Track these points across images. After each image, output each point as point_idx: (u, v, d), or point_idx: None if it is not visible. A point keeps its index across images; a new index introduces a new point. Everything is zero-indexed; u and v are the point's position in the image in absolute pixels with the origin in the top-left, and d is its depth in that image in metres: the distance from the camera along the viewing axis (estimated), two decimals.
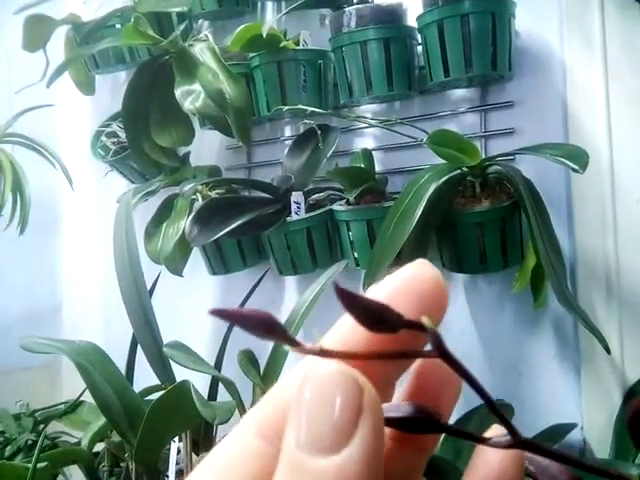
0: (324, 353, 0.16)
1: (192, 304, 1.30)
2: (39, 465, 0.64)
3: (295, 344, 0.16)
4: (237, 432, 0.17)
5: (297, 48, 1.03)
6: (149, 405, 0.66)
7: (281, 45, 1.01)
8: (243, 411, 0.71)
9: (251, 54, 1.06)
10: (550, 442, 0.90)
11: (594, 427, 0.91)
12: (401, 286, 0.17)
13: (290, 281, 1.20)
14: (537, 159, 0.92)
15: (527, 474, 0.19)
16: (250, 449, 0.17)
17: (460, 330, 1.02)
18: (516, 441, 0.17)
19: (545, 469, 0.18)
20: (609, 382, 0.91)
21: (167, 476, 0.78)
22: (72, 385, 1.22)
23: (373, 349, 0.17)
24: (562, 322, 0.95)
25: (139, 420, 0.65)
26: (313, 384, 0.16)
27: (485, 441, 0.18)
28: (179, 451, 0.91)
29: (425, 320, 0.16)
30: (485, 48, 0.89)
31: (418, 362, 0.20)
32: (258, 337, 0.16)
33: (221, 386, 0.97)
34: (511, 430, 0.17)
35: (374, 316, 0.16)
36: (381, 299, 0.17)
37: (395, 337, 0.17)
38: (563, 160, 0.74)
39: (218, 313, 0.16)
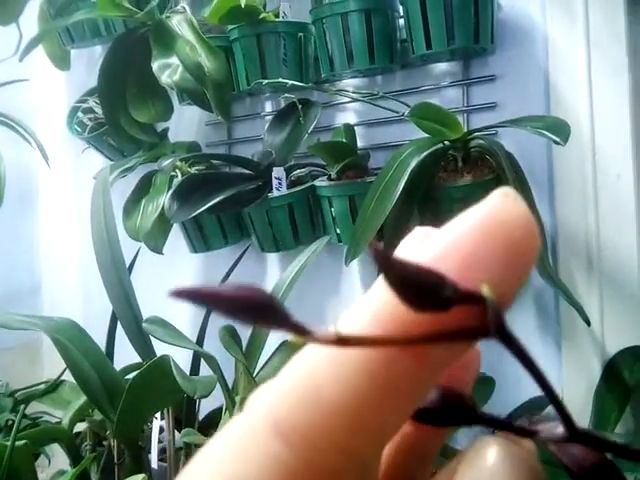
0: (343, 342, 0.12)
1: (172, 282, 1.29)
2: (18, 443, 0.63)
3: (303, 332, 0.12)
4: (248, 429, 0.13)
5: (277, 20, 1.01)
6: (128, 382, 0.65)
7: (260, 17, 0.99)
8: (225, 386, 0.71)
9: (230, 27, 1.03)
10: (529, 414, 0.91)
11: (573, 399, 0.92)
12: (484, 235, 0.13)
13: (272, 258, 1.19)
14: (519, 134, 0.92)
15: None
16: (271, 457, 0.12)
17: None
18: (572, 434, 0.15)
19: (567, 450, 0.16)
20: (589, 355, 0.92)
21: (149, 452, 0.78)
22: (52, 366, 1.21)
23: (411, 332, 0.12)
24: (543, 296, 0.95)
25: (119, 396, 0.64)
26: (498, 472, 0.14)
27: (535, 434, 0.15)
28: (162, 430, 0.91)
29: (485, 290, 0.12)
30: (467, 20, 0.88)
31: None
32: (250, 325, 0.12)
33: (203, 364, 0.96)
34: (568, 422, 0.15)
35: (423, 289, 0.12)
36: (454, 253, 0.12)
37: (440, 319, 0.13)
38: (544, 132, 0.74)
39: (186, 295, 0.12)
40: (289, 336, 0.13)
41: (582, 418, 0.90)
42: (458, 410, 0.15)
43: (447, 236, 0.13)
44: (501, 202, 0.13)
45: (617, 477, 0.15)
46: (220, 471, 0.12)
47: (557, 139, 0.72)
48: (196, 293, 0.12)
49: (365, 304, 0.13)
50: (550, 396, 0.14)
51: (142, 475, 0.58)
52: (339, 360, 0.12)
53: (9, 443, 0.63)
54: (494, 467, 0.14)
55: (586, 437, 0.14)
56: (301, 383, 0.13)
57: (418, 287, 0.12)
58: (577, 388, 0.92)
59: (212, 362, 0.68)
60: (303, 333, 0.12)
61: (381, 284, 0.13)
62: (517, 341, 0.13)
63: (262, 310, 0.12)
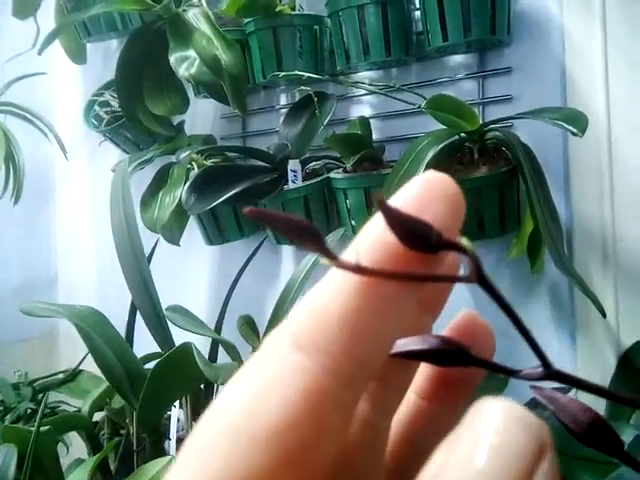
0: (360, 270, 0.15)
1: (190, 273, 1.30)
2: (42, 429, 0.65)
3: (331, 256, 0.15)
4: (269, 347, 0.15)
5: (293, 13, 1.02)
6: (150, 369, 0.66)
7: (276, 10, 1.00)
8: None
9: (246, 20, 1.04)
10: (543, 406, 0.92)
11: None
12: (425, 197, 0.16)
13: (287, 250, 1.19)
14: (535, 126, 0.92)
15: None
16: (289, 363, 0.14)
17: (456, 296, 1.03)
18: (549, 372, 0.17)
19: (565, 408, 0.17)
20: (604, 347, 0.92)
21: (169, 438, 0.79)
22: (68, 357, 1.22)
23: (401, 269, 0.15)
24: (558, 288, 0.96)
25: (141, 383, 0.65)
26: (495, 427, 0.12)
27: (516, 373, 0.17)
28: (179, 419, 0.92)
29: (465, 241, 0.16)
30: (484, 12, 0.88)
31: (455, 318, 0.20)
32: (295, 242, 0.15)
33: (220, 354, 0.97)
34: (544, 361, 0.17)
35: (415, 234, 0.15)
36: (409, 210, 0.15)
37: (424, 262, 0.15)
38: (562, 123, 0.74)
39: (255, 213, 0.15)
40: (321, 259, 0.16)
41: (597, 410, 0.90)
42: (455, 353, 0.17)
43: (404, 195, 0.16)
44: (431, 175, 0.16)
45: (611, 433, 0.17)
46: (248, 381, 0.15)
47: (575, 130, 0.72)
48: (261, 214, 0.15)
49: (374, 241, 0.16)
50: (526, 337, 0.16)
51: (169, 457, 0.59)
52: (340, 286, 0.15)
53: (34, 429, 0.64)
54: (497, 429, 0.12)
55: (559, 375, 0.17)
56: (312, 305, 0.15)
57: (412, 232, 0.15)
58: (592, 380, 0.92)
59: (232, 350, 0.69)
60: (331, 257, 0.15)
61: (375, 226, 0.16)
62: (493, 285, 0.16)
63: (306, 233, 0.15)
